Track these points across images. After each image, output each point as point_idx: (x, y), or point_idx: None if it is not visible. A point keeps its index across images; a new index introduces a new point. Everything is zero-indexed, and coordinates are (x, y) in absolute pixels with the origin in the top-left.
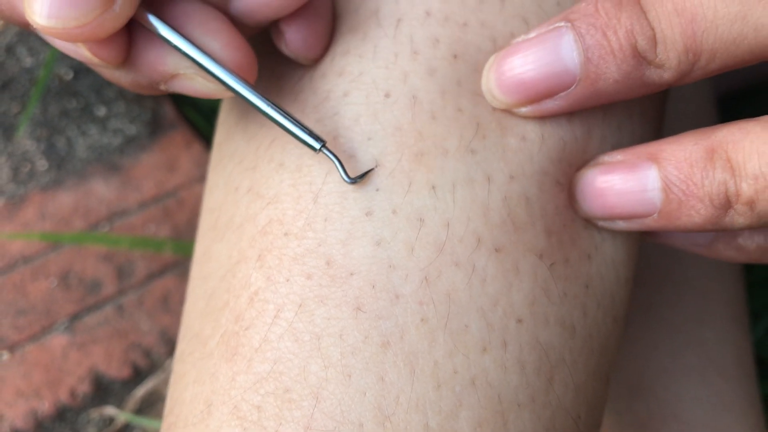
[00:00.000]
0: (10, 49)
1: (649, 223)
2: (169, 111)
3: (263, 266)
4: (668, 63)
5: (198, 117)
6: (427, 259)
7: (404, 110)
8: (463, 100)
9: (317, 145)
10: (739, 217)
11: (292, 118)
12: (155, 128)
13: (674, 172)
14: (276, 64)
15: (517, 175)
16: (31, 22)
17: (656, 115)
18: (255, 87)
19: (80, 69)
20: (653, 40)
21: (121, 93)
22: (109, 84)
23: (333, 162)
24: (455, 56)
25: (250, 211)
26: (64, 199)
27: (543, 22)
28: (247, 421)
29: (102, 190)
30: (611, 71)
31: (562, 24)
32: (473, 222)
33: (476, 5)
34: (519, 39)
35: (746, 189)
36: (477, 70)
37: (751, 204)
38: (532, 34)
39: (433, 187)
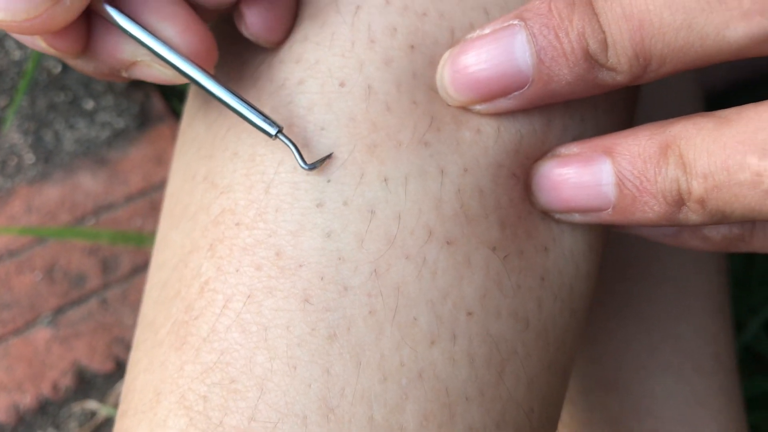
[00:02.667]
0: None
1: (605, 217)
2: (157, 104)
3: (214, 256)
4: (620, 67)
5: None
6: (377, 252)
7: (358, 100)
8: (418, 93)
9: (273, 131)
10: (692, 214)
11: (247, 103)
12: (143, 121)
13: (628, 167)
14: (242, 49)
15: (471, 167)
16: None
17: (625, 106)
18: (212, 73)
19: None
20: (604, 44)
21: (110, 86)
22: None
23: (290, 148)
24: (412, 47)
25: (205, 200)
26: (51, 193)
27: (501, 16)
28: (193, 411)
29: (89, 184)
30: (564, 73)
31: (516, 22)
32: (425, 215)
33: None
34: (474, 34)
35: (696, 187)
36: (433, 62)
37: (701, 202)
38: (486, 30)
39: (386, 180)
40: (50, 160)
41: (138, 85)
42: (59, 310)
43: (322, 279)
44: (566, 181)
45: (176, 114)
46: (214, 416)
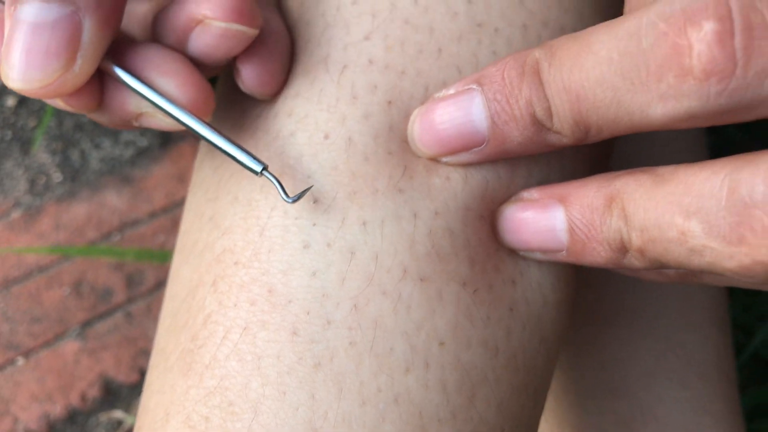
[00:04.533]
0: None
1: (561, 257)
2: None
3: (216, 291)
4: (564, 131)
5: None
6: (357, 289)
7: (340, 151)
8: (393, 144)
9: (258, 168)
10: (635, 261)
11: (236, 145)
12: (166, 140)
13: (578, 216)
14: (242, 100)
15: (442, 211)
16: (7, 85)
17: (594, 151)
18: (207, 121)
19: None
20: (549, 112)
21: None
22: None
23: (273, 184)
24: (389, 102)
25: (210, 239)
26: (78, 210)
27: (465, 77)
28: (196, 430)
29: (114, 201)
30: (515, 135)
31: (474, 87)
32: (400, 254)
33: (415, 54)
34: (440, 94)
35: (635, 239)
36: (408, 115)
37: (641, 252)
38: (450, 91)
39: (364, 223)
40: (77, 178)
41: None
42: (87, 324)
43: (308, 314)
44: (525, 225)
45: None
46: None
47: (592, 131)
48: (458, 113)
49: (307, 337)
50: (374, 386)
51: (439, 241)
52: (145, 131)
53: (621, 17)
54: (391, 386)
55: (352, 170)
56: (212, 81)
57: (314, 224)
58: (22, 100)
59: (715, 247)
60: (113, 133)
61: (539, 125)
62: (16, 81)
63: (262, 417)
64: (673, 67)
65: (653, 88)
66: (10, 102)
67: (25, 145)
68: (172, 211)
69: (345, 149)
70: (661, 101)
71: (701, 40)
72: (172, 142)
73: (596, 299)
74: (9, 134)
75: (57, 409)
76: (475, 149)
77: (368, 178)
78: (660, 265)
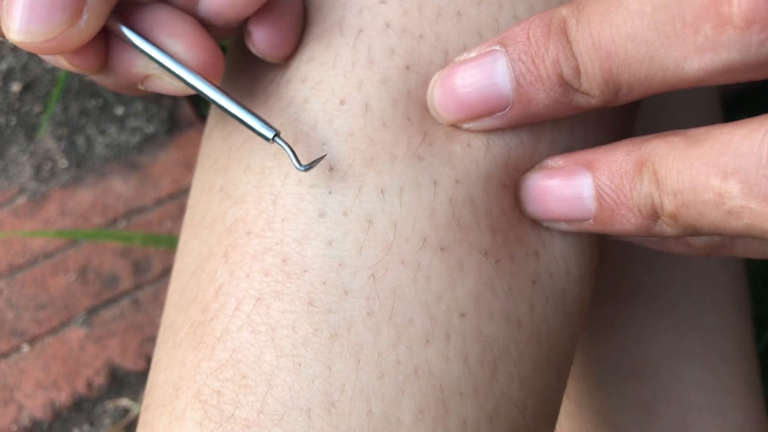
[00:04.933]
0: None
1: (587, 227)
2: (186, 109)
3: (227, 262)
4: (592, 92)
5: None
6: (375, 258)
7: (357, 117)
8: (412, 110)
9: (270, 134)
10: (666, 227)
11: (248, 110)
12: (172, 126)
13: (606, 182)
14: (254, 67)
15: (463, 179)
16: (8, 39)
17: (617, 120)
18: (217, 85)
19: None
20: (577, 71)
21: None
22: None
23: (286, 151)
24: (407, 67)
25: (220, 210)
26: (84, 197)
27: (488, 40)
28: (208, 405)
29: (120, 188)
30: (541, 97)
31: (498, 48)
32: (419, 223)
33: (434, 18)
34: (461, 57)
35: (668, 204)
36: (427, 81)
37: (674, 217)
38: (472, 54)
39: (382, 191)
40: (83, 164)
41: None
42: (92, 311)
43: (324, 283)
44: (550, 193)
45: (204, 119)
46: (226, 409)
47: (623, 90)
48: (481, 76)
49: (324, 308)
50: (393, 358)
51: (460, 210)
52: (151, 117)
53: None
54: (411, 358)
55: (369, 136)
56: (222, 48)
57: (330, 192)
58: (28, 86)
59: (754, 208)
60: (119, 119)
61: (566, 86)
62: (17, 34)
63: (276, 390)
64: (711, 16)
65: (689, 40)
66: (15, 87)
67: (31, 130)
68: (179, 197)
69: (362, 115)
70: (698, 54)
71: None
72: (178, 128)
73: (615, 278)
74: (14, 120)
75: (63, 397)
76: (499, 113)
77: (386, 144)
78: (693, 231)
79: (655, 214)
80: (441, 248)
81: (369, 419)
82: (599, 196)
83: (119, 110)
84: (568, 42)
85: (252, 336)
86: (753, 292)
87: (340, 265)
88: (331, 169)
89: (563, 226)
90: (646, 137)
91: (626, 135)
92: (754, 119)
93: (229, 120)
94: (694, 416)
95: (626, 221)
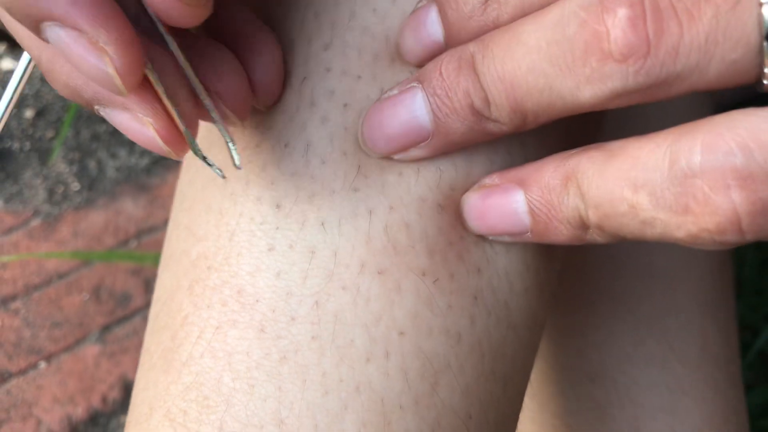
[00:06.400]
0: (44, 78)
1: (527, 239)
2: None
3: (192, 294)
4: (502, 119)
5: None
6: (318, 286)
7: (299, 157)
8: (348, 145)
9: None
10: (597, 236)
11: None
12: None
13: (537, 198)
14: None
15: (396, 205)
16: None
17: (560, 135)
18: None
19: None
20: (486, 101)
21: None
22: None
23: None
24: (345, 105)
25: (185, 247)
26: (96, 218)
27: (406, 78)
28: (176, 423)
29: (131, 209)
30: (457, 126)
31: (416, 84)
32: (357, 250)
33: (371, 61)
34: (385, 95)
35: (592, 216)
36: (362, 116)
37: (600, 228)
38: (394, 91)
39: (323, 223)
40: (94, 187)
41: None
42: (106, 328)
43: (274, 311)
44: (489, 210)
45: None
46: (192, 427)
47: (529, 117)
48: (402, 111)
49: (274, 334)
50: (336, 376)
51: (395, 235)
52: None
53: (546, 8)
54: (353, 376)
55: (310, 174)
56: None
57: (277, 228)
58: (40, 112)
59: (663, 218)
60: (129, 143)
61: (479, 115)
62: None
63: (233, 409)
64: (594, 51)
65: (579, 72)
66: (29, 114)
67: (44, 155)
68: None
69: (303, 155)
70: (588, 83)
71: (616, 25)
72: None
73: (579, 285)
74: (28, 145)
75: (79, 412)
76: (422, 144)
77: (325, 180)
78: (620, 239)
79: (584, 225)
80: (378, 272)
81: None
82: (532, 211)
83: None
84: (476, 75)
85: (212, 361)
86: (745, 300)
87: (288, 294)
88: (278, 206)
89: (507, 239)
90: (572, 152)
91: (588, 141)
92: (660, 133)
93: (193, 164)
94: (648, 418)
95: (559, 233)
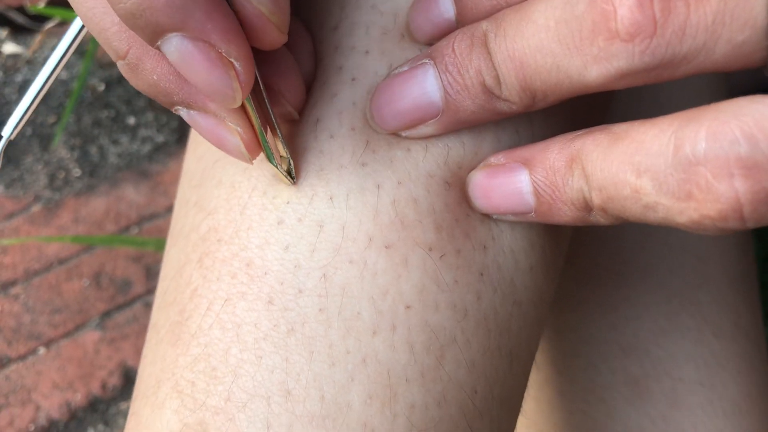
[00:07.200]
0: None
1: (530, 219)
2: None
3: (201, 267)
4: (512, 98)
5: None
6: (326, 259)
7: (310, 133)
8: (356, 120)
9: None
10: (600, 218)
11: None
12: (182, 136)
13: (542, 179)
14: None
15: (404, 180)
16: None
17: (567, 116)
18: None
19: (111, 81)
20: (497, 80)
21: (150, 103)
22: (138, 95)
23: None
24: (353, 79)
25: (195, 222)
26: (97, 204)
27: (418, 54)
28: (184, 394)
29: (132, 195)
30: (467, 104)
31: (427, 61)
32: (365, 224)
33: (379, 37)
34: (395, 72)
35: (595, 198)
36: (371, 91)
37: (603, 210)
38: (405, 68)
39: (331, 198)
40: (95, 173)
41: None
42: (106, 314)
43: (282, 284)
44: (494, 189)
45: None
46: (199, 398)
47: (538, 96)
48: (413, 87)
49: (281, 306)
50: (343, 348)
51: (403, 210)
52: (161, 127)
53: None
54: (359, 348)
55: (319, 149)
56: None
57: (288, 202)
58: (42, 98)
59: (666, 204)
60: (131, 129)
61: (489, 93)
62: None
63: (241, 380)
64: (602, 30)
65: (587, 51)
66: None
67: (45, 141)
68: None
69: (313, 130)
70: (595, 63)
71: (623, 4)
72: (187, 137)
73: (605, 258)
74: (29, 131)
75: (78, 398)
76: (432, 121)
77: (334, 154)
78: (623, 221)
79: (587, 207)
80: (386, 246)
81: (322, 404)
82: (536, 192)
83: (131, 120)
84: (489, 53)
85: (221, 333)
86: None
87: (296, 266)
88: (291, 181)
89: (511, 218)
90: (577, 133)
91: (595, 122)
92: (665, 118)
93: (201, 142)
94: (686, 391)
95: (563, 213)
